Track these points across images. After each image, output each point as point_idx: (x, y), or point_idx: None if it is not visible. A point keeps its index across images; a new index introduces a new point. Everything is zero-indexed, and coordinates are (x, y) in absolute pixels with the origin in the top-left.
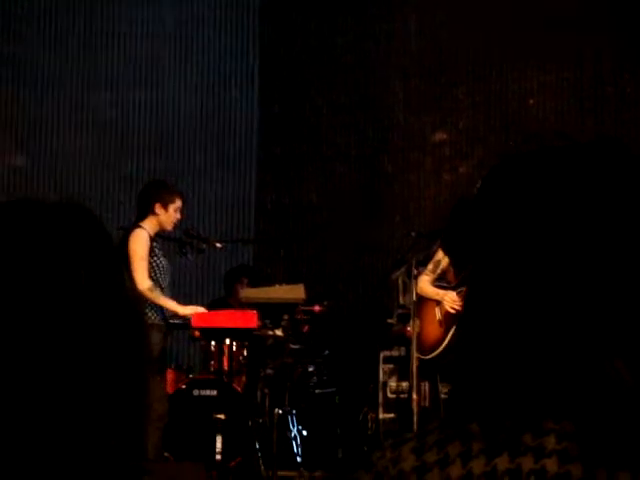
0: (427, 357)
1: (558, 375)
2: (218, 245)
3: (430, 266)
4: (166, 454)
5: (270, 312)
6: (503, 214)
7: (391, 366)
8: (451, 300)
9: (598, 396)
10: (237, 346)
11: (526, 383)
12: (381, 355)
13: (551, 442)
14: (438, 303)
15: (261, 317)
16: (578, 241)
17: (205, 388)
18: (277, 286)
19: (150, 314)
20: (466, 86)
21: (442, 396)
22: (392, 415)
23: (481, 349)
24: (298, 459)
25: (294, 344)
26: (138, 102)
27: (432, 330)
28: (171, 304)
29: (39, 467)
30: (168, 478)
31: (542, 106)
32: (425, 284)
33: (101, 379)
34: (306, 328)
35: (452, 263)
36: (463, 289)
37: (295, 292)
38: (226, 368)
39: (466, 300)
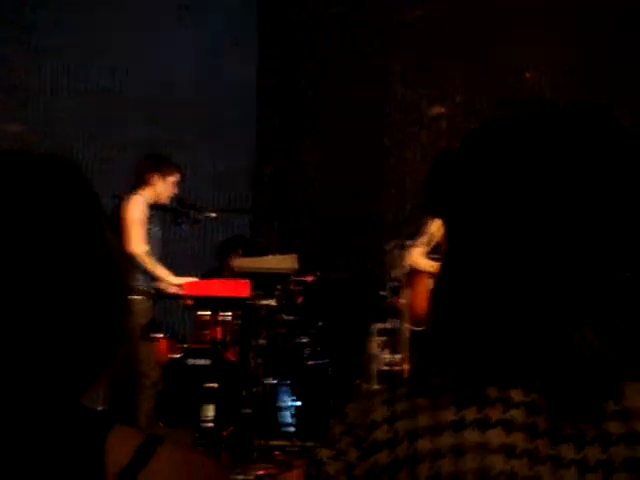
0: (419, 329)
1: (528, 337)
2: (213, 215)
3: (424, 238)
4: (160, 424)
5: (263, 282)
6: (478, 177)
7: (384, 338)
8: None
9: (566, 359)
10: (231, 316)
11: (494, 344)
12: (374, 327)
13: (518, 395)
14: (431, 275)
15: (254, 287)
16: (551, 206)
17: (199, 357)
18: (270, 256)
19: (140, 280)
20: (463, 60)
21: None
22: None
23: (452, 310)
24: (291, 429)
25: (287, 315)
26: (134, 70)
27: (424, 302)
28: (164, 272)
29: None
30: None
31: (538, 80)
32: (418, 256)
33: (79, 333)
34: (300, 299)
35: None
36: None
37: (288, 262)
38: (219, 338)
39: (441, 261)
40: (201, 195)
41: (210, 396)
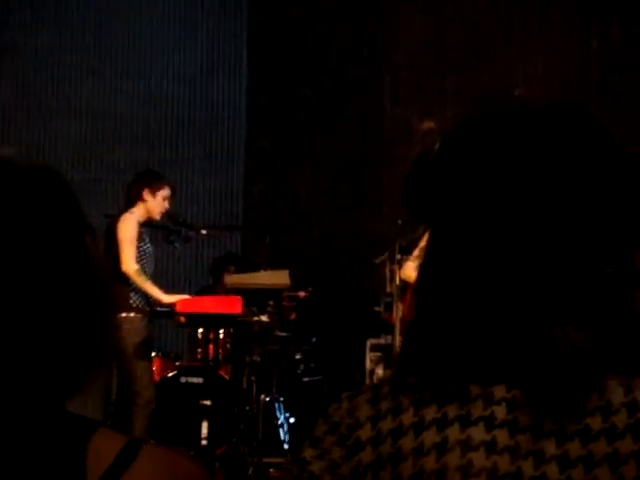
0: None
1: (509, 334)
2: (204, 232)
3: (416, 252)
4: (152, 441)
5: (255, 298)
6: (457, 177)
7: (378, 354)
8: None
9: (546, 354)
10: (224, 333)
11: (476, 340)
12: (368, 343)
13: (500, 391)
14: None
15: (246, 303)
16: (531, 203)
17: (192, 375)
18: (262, 272)
19: (134, 298)
20: (454, 76)
21: None
22: None
23: (433, 307)
24: (285, 446)
25: (281, 331)
26: (126, 90)
27: None
28: (156, 291)
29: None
30: None
31: (530, 96)
32: (410, 270)
33: (60, 337)
34: (293, 315)
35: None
36: None
37: (280, 278)
38: (212, 355)
39: (422, 260)
40: (192, 213)
41: (204, 414)
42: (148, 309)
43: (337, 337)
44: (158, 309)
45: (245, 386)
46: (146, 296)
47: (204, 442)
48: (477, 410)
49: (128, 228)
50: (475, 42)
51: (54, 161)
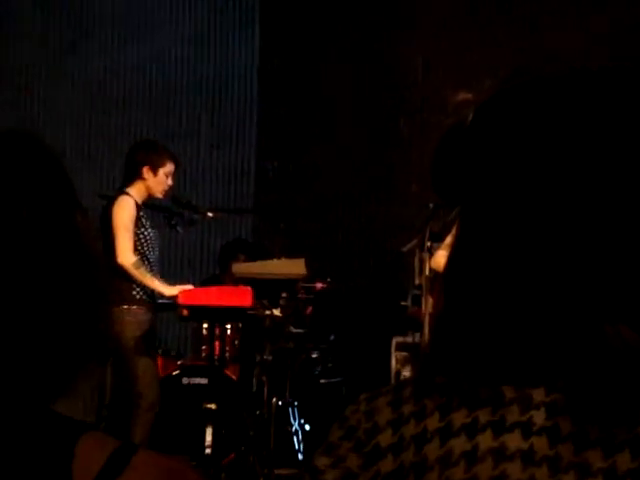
0: None
1: (550, 330)
2: (210, 215)
3: (449, 239)
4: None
5: (267, 290)
6: (495, 148)
7: (405, 354)
8: None
9: (595, 354)
10: (231, 329)
11: (512, 337)
12: (394, 341)
13: (539, 395)
14: None
15: (257, 295)
16: (581, 182)
17: (195, 376)
18: (275, 260)
19: (136, 290)
20: (492, 44)
21: None
22: None
23: (464, 300)
24: (299, 456)
25: (295, 327)
26: (125, 54)
27: None
28: (157, 284)
29: None
30: None
31: (572, 64)
32: (442, 259)
33: (43, 329)
34: (309, 309)
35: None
36: None
37: (294, 267)
38: (218, 353)
39: (452, 246)
40: (197, 193)
41: (208, 419)
42: (151, 301)
43: (359, 334)
44: (159, 301)
45: (255, 388)
46: (147, 288)
47: (208, 450)
48: (512, 415)
49: (124, 212)
50: (516, 6)
51: (44, 133)
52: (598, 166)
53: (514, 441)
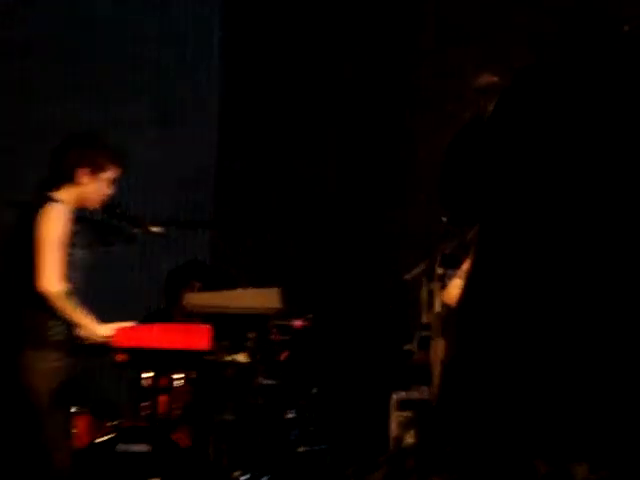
0: None
1: (595, 395)
2: (155, 229)
3: (466, 265)
4: None
5: (229, 328)
6: (525, 150)
7: (408, 414)
8: None
9: None
10: (183, 379)
11: (544, 401)
12: (394, 398)
13: (582, 471)
14: None
15: (217, 336)
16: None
17: (134, 441)
18: (240, 290)
19: (52, 329)
20: (522, 10)
21: None
22: None
23: (483, 344)
24: None
25: (266, 377)
26: (39, 16)
27: None
28: (88, 321)
29: None
30: None
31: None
32: (458, 292)
33: None
34: (284, 355)
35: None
36: None
37: (267, 299)
38: (164, 412)
39: (468, 276)
40: (139, 201)
41: None
42: (69, 341)
43: (348, 388)
44: (86, 343)
45: (212, 458)
46: (69, 325)
47: None
48: None
49: (57, 226)
50: None
51: None
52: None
53: None
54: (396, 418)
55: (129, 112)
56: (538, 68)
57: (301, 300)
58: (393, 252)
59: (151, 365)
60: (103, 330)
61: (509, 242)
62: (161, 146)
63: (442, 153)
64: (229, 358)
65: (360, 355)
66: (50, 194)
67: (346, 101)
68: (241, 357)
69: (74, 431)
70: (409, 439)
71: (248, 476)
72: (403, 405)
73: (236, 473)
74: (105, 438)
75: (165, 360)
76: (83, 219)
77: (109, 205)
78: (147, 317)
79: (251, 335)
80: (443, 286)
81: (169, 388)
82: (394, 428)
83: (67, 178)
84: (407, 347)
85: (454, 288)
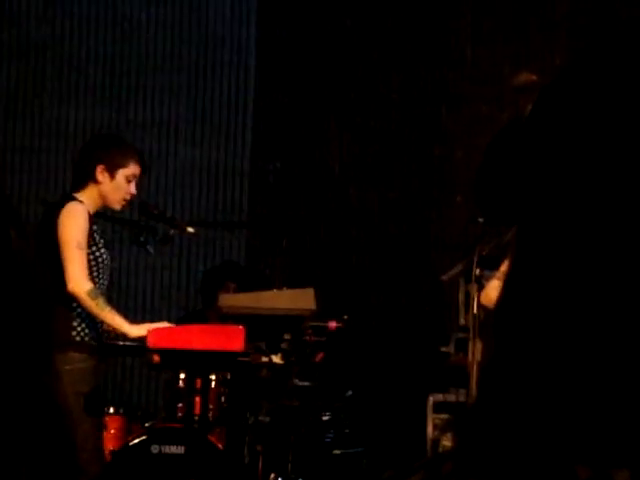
0: None
1: (635, 400)
2: (191, 230)
3: (504, 266)
4: None
5: (264, 330)
6: (563, 152)
7: (445, 416)
8: None
9: None
10: (217, 381)
11: (585, 406)
12: (430, 400)
13: (622, 477)
14: None
15: (251, 337)
16: None
17: (168, 443)
18: (275, 291)
19: (77, 329)
20: (563, 3)
21: None
22: None
23: (523, 349)
24: None
25: (301, 379)
26: (79, 17)
27: None
28: (118, 320)
29: None
30: None
31: None
32: (496, 293)
33: None
34: (319, 356)
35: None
36: None
37: (301, 300)
38: (199, 413)
39: (506, 277)
40: (175, 202)
41: None
42: (95, 344)
43: (384, 391)
44: (120, 343)
45: (247, 460)
46: (95, 326)
47: None
48: None
49: (76, 225)
50: None
51: None
52: None
53: None
54: (433, 420)
55: (165, 113)
56: (579, 66)
57: (336, 301)
58: (430, 253)
59: (186, 366)
60: (134, 330)
61: (547, 244)
62: (196, 146)
63: (479, 154)
64: (264, 359)
65: (396, 357)
66: (73, 194)
67: (382, 101)
68: (276, 358)
69: (111, 432)
70: (446, 442)
71: (282, 479)
72: (440, 407)
73: (271, 476)
74: (139, 439)
75: (200, 361)
76: (118, 219)
77: (144, 205)
78: (182, 319)
79: (286, 336)
80: (480, 287)
81: (204, 389)
82: (431, 431)
83: (86, 177)
84: (444, 349)
85: (492, 290)
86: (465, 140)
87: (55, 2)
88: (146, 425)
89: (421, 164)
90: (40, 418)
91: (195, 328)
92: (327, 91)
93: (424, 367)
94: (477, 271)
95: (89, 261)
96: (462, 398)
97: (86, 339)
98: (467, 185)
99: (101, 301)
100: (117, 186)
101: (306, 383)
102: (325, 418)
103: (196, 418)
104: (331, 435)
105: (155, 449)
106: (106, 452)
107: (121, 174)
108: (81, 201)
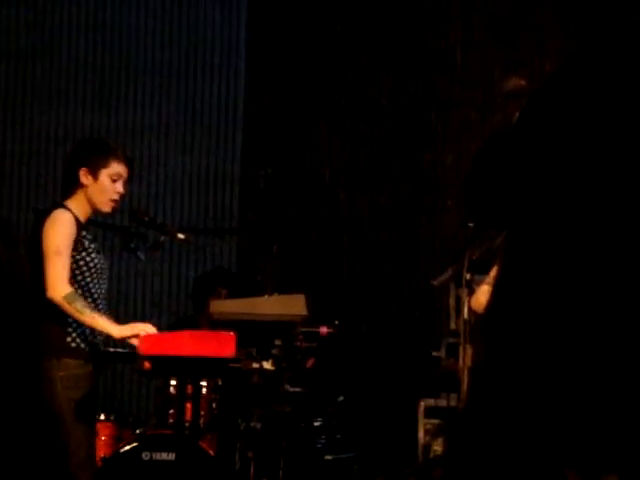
0: None
1: (626, 407)
2: (181, 236)
3: (494, 271)
4: None
5: (256, 336)
6: (557, 158)
7: (436, 422)
8: None
9: None
10: (208, 387)
11: (575, 412)
12: (422, 405)
13: None
14: None
15: (242, 343)
16: None
17: (159, 449)
18: (266, 297)
19: (72, 335)
20: (552, 7)
21: None
22: None
23: (512, 352)
24: None
25: (292, 385)
26: (68, 23)
27: None
28: (101, 322)
29: None
30: None
31: None
32: (486, 298)
33: None
34: (310, 362)
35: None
36: None
37: (292, 306)
38: (190, 419)
39: (495, 282)
40: (165, 208)
41: None
42: (88, 350)
43: (375, 396)
44: (110, 349)
45: (238, 466)
46: (85, 330)
47: None
48: None
49: (59, 230)
50: None
51: None
52: None
53: None
54: (424, 426)
55: (155, 117)
56: (568, 72)
57: (327, 306)
58: (420, 258)
59: (177, 372)
60: (119, 331)
61: (536, 249)
62: (187, 152)
63: (469, 158)
64: (255, 365)
65: (387, 362)
66: (63, 202)
67: (372, 106)
68: (267, 364)
69: (102, 438)
70: (437, 447)
71: None
72: (431, 412)
73: None
74: (130, 446)
75: (191, 367)
76: (108, 225)
77: (135, 211)
78: (173, 325)
79: (277, 342)
80: (471, 292)
81: (195, 396)
82: (422, 436)
83: (73, 183)
84: (435, 354)
85: (482, 294)
86: (455, 145)
87: (44, 8)
88: (137, 432)
89: (411, 169)
90: (32, 424)
91: (186, 334)
92: (317, 96)
93: (415, 372)
94: (468, 275)
95: (78, 267)
96: (453, 403)
97: (82, 346)
98: (457, 190)
99: (79, 305)
100: (102, 187)
101: (297, 389)
102: (316, 424)
103: (187, 424)
104: (322, 441)
105: (146, 456)
106: (97, 459)
107: (104, 174)
108: (69, 209)
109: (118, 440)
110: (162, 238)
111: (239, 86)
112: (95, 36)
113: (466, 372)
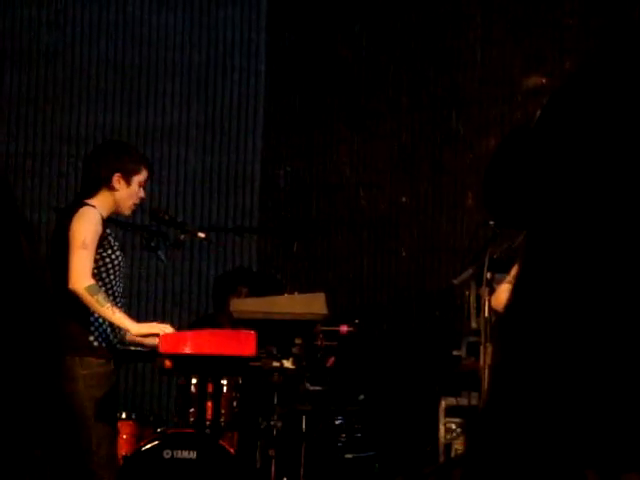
0: None
1: None
2: (202, 235)
3: (515, 270)
4: None
5: (276, 334)
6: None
7: (457, 420)
8: None
9: None
10: (228, 386)
11: (595, 411)
12: (442, 404)
13: None
14: None
15: (263, 342)
16: None
17: (180, 448)
18: (286, 296)
19: (94, 334)
20: (575, 5)
21: None
22: None
23: (532, 354)
24: None
25: (313, 384)
26: (89, 23)
27: None
28: (119, 317)
29: None
30: None
31: None
32: (506, 296)
33: None
34: (331, 361)
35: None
36: None
37: (312, 305)
38: (211, 418)
39: (515, 281)
40: (186, 207)
41: None
42: (108, 349)
43: (396, 395)
44: (131, 348)
45: (259, 465)
46: (106, 328)
47: None
48: None
49: (87, 227)
50: None
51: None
52: None
53: None
54: (445, 425)
55: (175, 118)
56: (589, 70)
57: (347, 305)
58: (441, 256)
59: (198, 371)
60: (137, 328)
61: (557, 247)
62: (207, 152)
63: (489, 156)
64: (275, 364)
65: (408, 361)
66: (85, 200)
67: (392, 105)
68: (287, 363)
69: (123, 437)
70: (458, 446)
71: None
72: (452, 411)
73: None
74: (151, 444)
75: (211, 366)
76: (129, 224)
77: (155, 211)
78: (194, 324)
79: (297, 341)
80: (491, 291)
81: (216, 394)
82: (443, 435)
83: (100, 184)
84: (456, 353)
85: (503, 293)
86: (475, 143)
87: (65, 8)
88: (158, 430)
89: (431, 167)
90: (52, 422)
91: (207, 333)
92: (337, 95)
93: (436, 371)
94: (488, 274)
95: (104, 264)
96: (474, 402)
97: (103, 345)
98: (477, 188)
99: (101, 297)
100: (132, 193)
101: (318, 387)
102: (337, 422)
103: (208, 423)
104: (343, 439)
105: (167, 454)
106: (119, 457)
107: (135, 180)
108: (93, 206)
109: (139, 439)
110: (182, 237)
111: (259, 87)
112: (116, 37)
113: (487, 371)
